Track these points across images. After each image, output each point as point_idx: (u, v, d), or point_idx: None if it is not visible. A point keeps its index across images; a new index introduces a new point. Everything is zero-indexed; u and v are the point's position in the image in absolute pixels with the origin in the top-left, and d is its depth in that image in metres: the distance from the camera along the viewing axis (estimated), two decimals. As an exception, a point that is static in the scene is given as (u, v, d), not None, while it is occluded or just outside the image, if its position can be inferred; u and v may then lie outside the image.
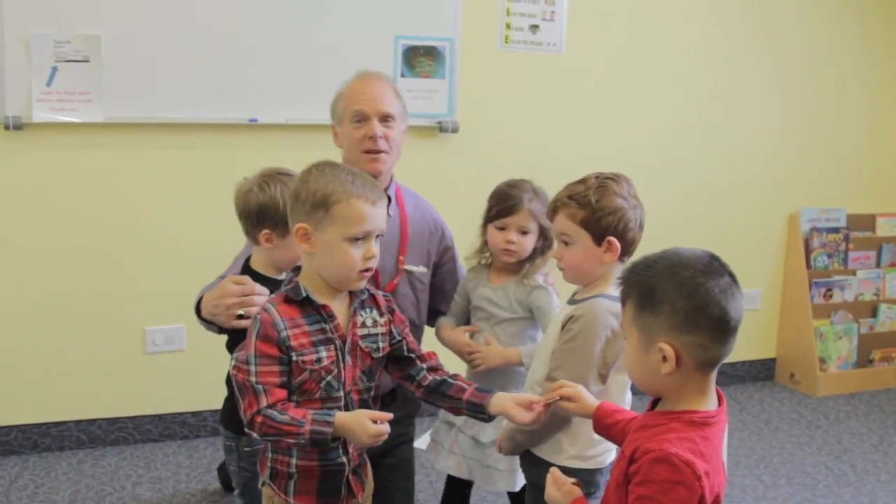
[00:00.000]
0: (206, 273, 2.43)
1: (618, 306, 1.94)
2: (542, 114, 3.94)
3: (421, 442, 3.03)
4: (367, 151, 2.37)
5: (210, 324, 2.25)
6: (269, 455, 1.93)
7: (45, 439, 3.45)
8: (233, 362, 1.83)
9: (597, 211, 1.99)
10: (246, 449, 2.30)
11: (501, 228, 2.42)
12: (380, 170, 2.39)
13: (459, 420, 2.44)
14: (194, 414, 3.62)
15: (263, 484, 1.98)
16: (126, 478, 3.28)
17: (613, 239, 1.99)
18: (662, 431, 1.49)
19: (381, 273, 2.47)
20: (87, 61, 3.21)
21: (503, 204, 2.41)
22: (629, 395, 2.10)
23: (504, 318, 2.46)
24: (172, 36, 3.31)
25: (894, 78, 4.60)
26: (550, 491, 1.69)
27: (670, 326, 1.48)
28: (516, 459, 2.32)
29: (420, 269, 2.50)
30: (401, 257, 2.49)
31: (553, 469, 1.73)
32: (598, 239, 2.00)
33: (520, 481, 2.40)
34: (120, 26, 3.24)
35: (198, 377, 3.52)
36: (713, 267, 1.50)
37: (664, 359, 1.49)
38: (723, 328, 1.48)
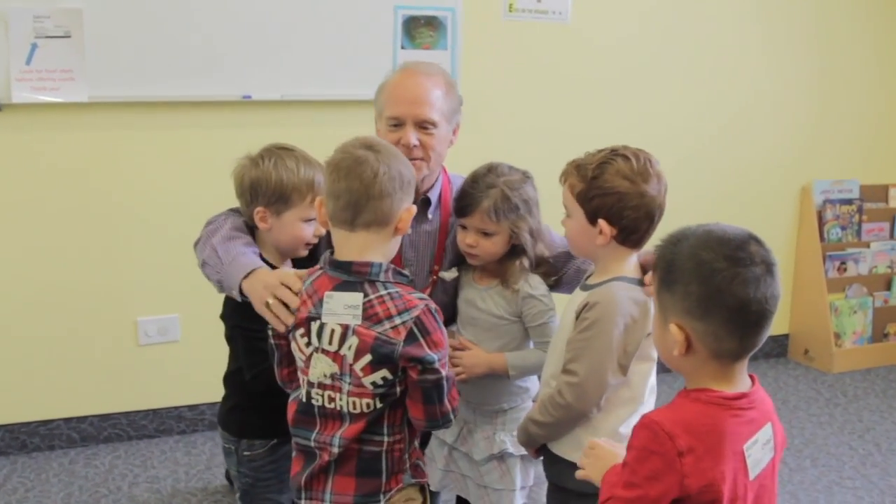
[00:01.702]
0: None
1: (637, 290, 1.84)
2: (547, 86, 3.82)
3: None
4: None
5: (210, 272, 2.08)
6: (405, 456, 1.86)
7: (33, 439, 3.33)
8: (435, 364, 1.76)
9: (591, 189, 1.83)
10: (246, 453, 2.16)
11: (464, 227, 2.18)
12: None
13: (450, 437, 2.25)
14: (191, 408, 3.51)
15: (397, 492, 1.84)
16: (121, 477, 3.16)
17: (603, 222, 1.81)
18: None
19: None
20: (69, 37, 3.06)
21: (460, 202, 2.17)
22: (652, 381, 1.93)
23: (492, 323, 2.18)
24: (160, 8, 3.15)
25: (906, 44, 4.50)
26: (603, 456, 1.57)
27: (682, 309, 1.40)
28: (515, 478, 2.18)
29: (451, 274, 2.31)
30: (435, 267, 2.30)
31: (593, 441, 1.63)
32: (591, 218, 1.84)
33: (518, 502, 2.22)
34: (102, -2, 3.08)
35: (194, 369, 3.43)
36: (745, 252, 1.38)
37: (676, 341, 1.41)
38: (740, 320, 1.37)
